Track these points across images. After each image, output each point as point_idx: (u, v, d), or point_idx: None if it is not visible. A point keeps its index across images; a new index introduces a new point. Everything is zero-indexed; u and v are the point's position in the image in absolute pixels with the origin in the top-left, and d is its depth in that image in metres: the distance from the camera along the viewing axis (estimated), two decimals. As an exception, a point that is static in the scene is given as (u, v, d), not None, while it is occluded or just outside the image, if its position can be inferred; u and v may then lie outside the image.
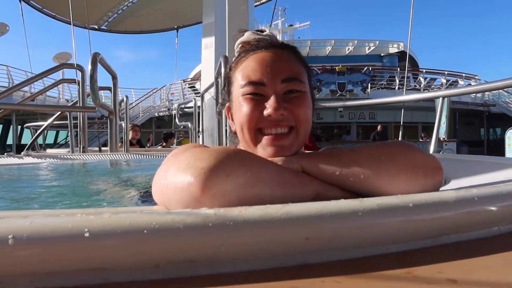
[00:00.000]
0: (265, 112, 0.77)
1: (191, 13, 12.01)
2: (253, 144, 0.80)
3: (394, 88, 17.15)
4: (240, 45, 0.93)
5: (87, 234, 0.36)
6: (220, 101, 3.42)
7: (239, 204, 0.59)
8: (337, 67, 17.10)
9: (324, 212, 0.42)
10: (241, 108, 0.81)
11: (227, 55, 3.79)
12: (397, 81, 17.36)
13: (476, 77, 19.05)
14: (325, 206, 0.44)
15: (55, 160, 2.95)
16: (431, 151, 2.82)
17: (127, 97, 5.17)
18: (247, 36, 0.92)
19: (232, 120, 0.89)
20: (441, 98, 2.84)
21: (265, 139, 0.79)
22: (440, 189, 1.14)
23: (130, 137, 5.69)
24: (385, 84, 17.54)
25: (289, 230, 0.41)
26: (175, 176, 0.61)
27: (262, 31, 0.94)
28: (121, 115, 5.16)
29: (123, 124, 5.08)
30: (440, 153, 9.54)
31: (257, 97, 0.80)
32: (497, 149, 15.54)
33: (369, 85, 17.00)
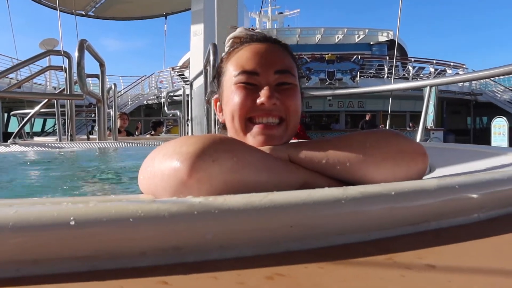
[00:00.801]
0: (258, 101, 0.78)
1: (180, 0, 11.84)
2: (243, 133, 0.81)
3: (383, 77, 17.24)
4: (231, 40, 0.94)
5: (72, 223, 0.36)
6: (209, 90, 3.40)
7: (225, 189, 0.60)
8: (326, 56, 17.09)
9: (307, 201, 0.43)
10: (233, 96, 0.81)
11: (216, 42, 3.76)
12: (386, 70, 17.43)
13: (464, 66, 19.23)
14: (309, 195, 0.45)
15: (43, 148, 2.91)
16: (417, 139, 2.86)
17: (115, 84, 5.12)
18: (239, 31, 0.94)
19: (221, 111, 0.90)
20: (428, 87, 2.87)
21: (256, 128, 0.80)
22: (425, 177, 1.16)
23: (118, 125, 5.65)
24: (374, 73, 17.61)
25: (273, 218, 0.42)
26: (162, 163, 0.62)
27: (253, 29, 0.96)
28: (109, 103, 5.10)
29: (111, 112, 5.03)
30: (427, 141, 9.67)
31: (250, 86, 0.81)
32: (483, 137, 15.81)
33: (358, 73, 17.05)
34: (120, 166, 2.35)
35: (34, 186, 1.51)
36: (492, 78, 16.31)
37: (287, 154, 0.77)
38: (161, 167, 0.61)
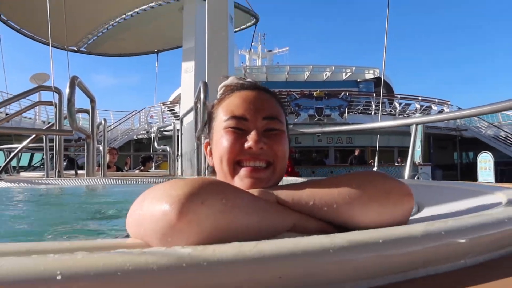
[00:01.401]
0: (246, 145, 0.80)
1: (172, 37, 12.11)
2: (231, 176, 0.82)
3: (371, 113, 17.57)
4: (223, 88, 0.98)
5: (59, 277, 0.35)
6: (199, 126, 3.43)
7: (215, 231, 0.60)
8: (315, 92, 17.46)
9: (295, 250, 0.43)
10: (222, 140, 0.83)
11: (206, 80, 3.83)
12: (373, 106, 17.81)
13: (448, 103, 19.73)
14: (296, 244, 0.45)
15: (29, 185, 2.87)
16: (406, 175, 2.89)
17: (105, 120, 5.13)
18: (231, 80, 0.98)
19: (211, 155, 0.92)
20: (414, 125, 2.94)
21: (243, 171, 0.81)
22: (414, 216, 1.17)
23: (107, 160, 5.61)
24: (361, 109, 17.95)
25: (262, 269, 0.42)
26: (151, 206, 0.61)
27: (245, 78, 1.00)
28: (98, 137, 5.09)
29: (100, 147, 5.01)
30: (415, 177, 9.73)
31: (238, 131, 0.83)
32: (470, 172, 16.02)
33: (347, 110, 17.37)
34: (107, 202, 2.31)
35: (19, 226, 1.48)
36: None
37: (274, 196, 0.78)
38: (150, 210, 0.61)
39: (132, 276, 0.37)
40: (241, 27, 11.90)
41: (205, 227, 0.59)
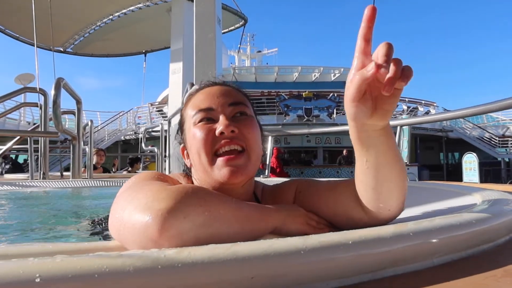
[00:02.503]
0: (217, 131, 0.82)
1: (160, 38, 12.06)
2: (211, 168, 0.83)
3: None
4: (187, 96, 1.00)
5: (38, 280, 0.37)
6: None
7: (197, 243, 0.61)
8: (304, 93, 17.54)
9: (268, 252, 0.46)
10: (194, 135, 0.85)
11: (194, 81, 3.82)
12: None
13: (435, 104, 19.99)
14: (270, 246, 0.47)
15: (13, 187, 2.84)
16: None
17: (91, 121, 5.07)
18: (194, 89, 0.99)
19: (188, 157, 0.93)
20: (398, 127, 2.99)
21: (220, 160, 0.82)
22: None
23: (94, 161, 5.56)
24: (350, 110, 18.05)
25: (235, 270, 0.44)
26: (132, 216, 0.62)
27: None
28: (85, 139, 5.05)
29: (87, 149, 4.96)
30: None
31: (208, 122, 0.85)
32: (456, 172, 16.27)
33: (335, 110, 17.49)
34: (91, 205, 2.31)
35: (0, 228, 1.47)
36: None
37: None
38: (132, 221, 0.61)
39: (109, 278, 0.39)
40: (230, 28, 11.90)
41: (187, 240, 0.60)
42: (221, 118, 0.83)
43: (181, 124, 0.96)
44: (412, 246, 0.56)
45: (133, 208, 0.63)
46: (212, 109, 0.86)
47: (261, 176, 3.39)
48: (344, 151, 15.56)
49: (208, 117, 0.85)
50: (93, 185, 3.12)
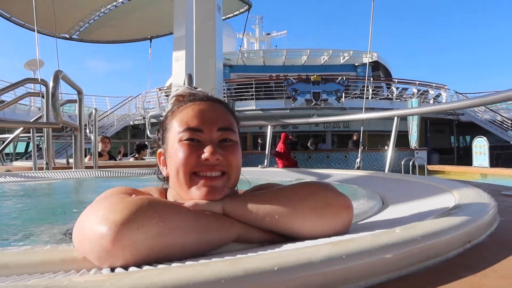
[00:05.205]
0: (203, 156, 0.83)
1: (165, 24, 11.97)
2: (187, 186, 0.85)
3: (368, 98, 17.54)
4: (174, 98, 0.99)
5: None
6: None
7: (151, 254, 0.64)
8: (312, 77, 17.39)
9: (193, 280, 0.47)
10: (178, 152, 0.86)
11: (194, 70, 3.83)
12: (370, 90, 17.76)
13: (446, 87, 19.69)
14: (198, 273, 0.49)
15: (15, 178, 2.91)
16: (386, 168, 2.93)
17: (95, 109, 5.12)
18: (182, 90, 0.99)
19: (164, 165, 0.94)
20: (395, 118, 2.96)
21: (199, 182, 0.84)
22: (377, 215, 1.22)
23: (99, 149, 5.64)
24: (359, 94, 17.91)
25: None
26: (91, 227, 0.65)
27: (195, 88, 1.01)
28: (90, 126, 5.11)
29: (92, 137, 5.03)
30: (411, 162, 9.77)
31: (194, 143, 0.86)
32: (467, 156, 16.10)
33: (343, 94, 17.35)
34: (79, 199, 2.34)
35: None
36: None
37: (221, 208, 0.82)
38: (90, 232, 0.65)
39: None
40: (234, 13, 11.77)
41: (141, 250, 0.63)
42: (208, 147, 0.84)
43: (163, 129, 0.95)
44: (344, 270, 0.56)
45: (94, 219, 0.66)
46: (201, 131, 0.86)
47: (259, 166, 3.41)
48: (354, 136, 15.45)
49: (195, 138, 0.86)
50: (96, 175, 3.17)
